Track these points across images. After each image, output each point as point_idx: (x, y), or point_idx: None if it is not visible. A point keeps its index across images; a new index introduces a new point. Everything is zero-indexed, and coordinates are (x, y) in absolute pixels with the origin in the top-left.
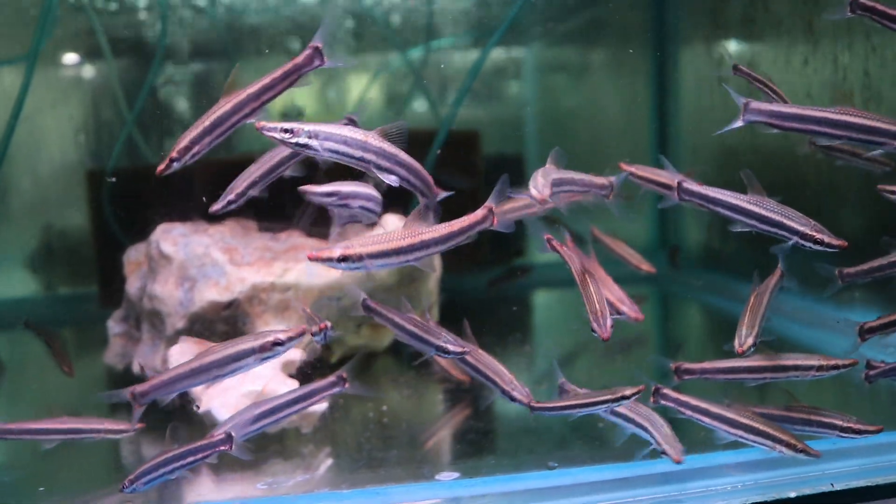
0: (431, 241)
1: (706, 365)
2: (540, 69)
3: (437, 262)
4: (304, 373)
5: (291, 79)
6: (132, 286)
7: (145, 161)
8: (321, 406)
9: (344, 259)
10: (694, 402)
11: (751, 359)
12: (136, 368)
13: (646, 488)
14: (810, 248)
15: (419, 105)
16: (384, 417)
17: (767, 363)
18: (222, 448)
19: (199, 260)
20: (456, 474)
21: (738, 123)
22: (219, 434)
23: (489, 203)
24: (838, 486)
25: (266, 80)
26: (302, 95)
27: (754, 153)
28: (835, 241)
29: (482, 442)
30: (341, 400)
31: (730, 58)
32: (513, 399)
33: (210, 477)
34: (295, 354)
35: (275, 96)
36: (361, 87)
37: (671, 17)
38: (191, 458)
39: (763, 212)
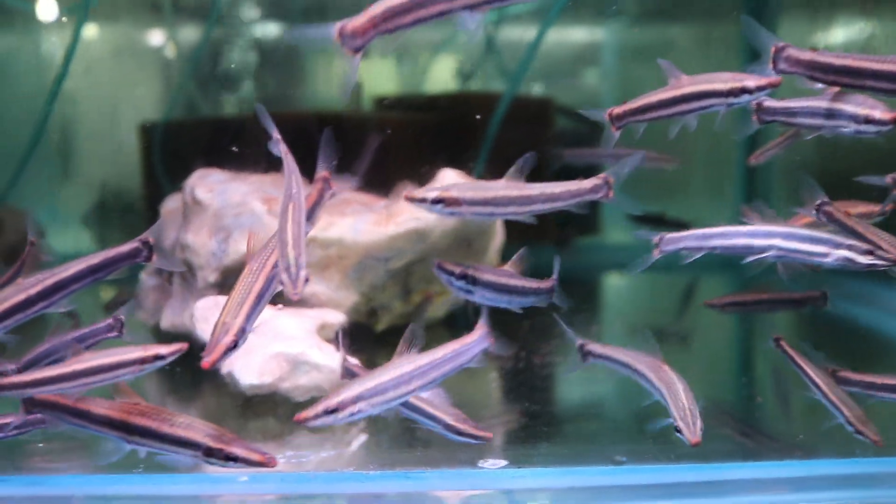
0: (536, 197)
1: None
2: (621, 48)
3: (499, 228)
4: (345, 340)
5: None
6: (167, 236)
7: (199, 114)
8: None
9: (440, 201)
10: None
11: None
12: (165, 325)
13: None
14: None
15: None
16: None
17: None
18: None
19: (235, 209)
20: (503, 462)
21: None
22: None
23: (607, 175)
24: None
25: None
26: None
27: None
28: None
29: (535, 428)
30: None
31: None
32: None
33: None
34: (335, 317)
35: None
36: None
37: None
38: None
39: None
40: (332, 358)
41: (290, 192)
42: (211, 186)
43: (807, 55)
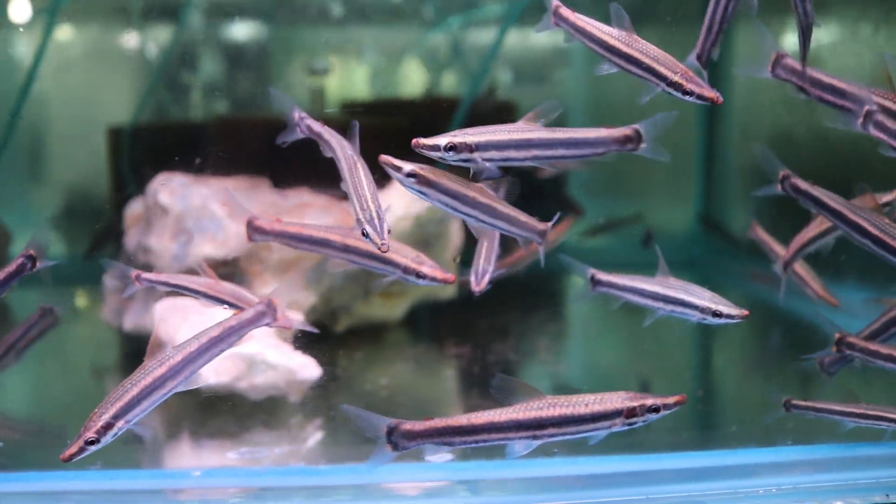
0: (556, 141)
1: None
2: (590, 50)
3: (455, 233)
4: (303, 340)
5: None
6: (130, 240)
7: (167, 118)
8: (313, 374)
9: (452, 148)
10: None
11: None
12: (127, 327)
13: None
14: None
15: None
16: (383, 391)
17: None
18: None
19: (196, 212)
20: (449, 456)
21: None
22: None
23: (639, 126)
24: None
25: None
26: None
27: (809, 134)
28: None
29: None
30: (339, 370)
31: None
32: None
33: (188, 443)
34: (293, 318)
35: None
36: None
37: None
38: None
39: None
40: (288, 358)
41: (347, 154)
42: (173, 190)
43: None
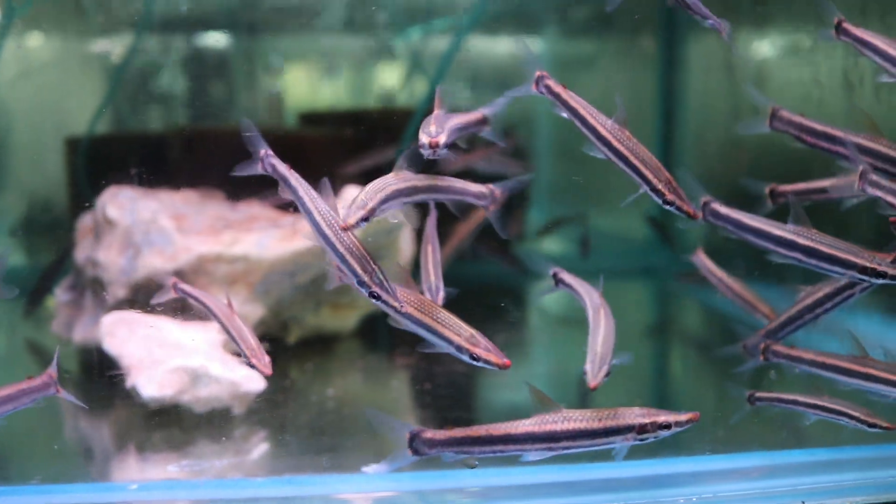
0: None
1: None
2: (554, 60)
3: (409, 242)
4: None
5: None
6: (80, 253)
7: (124, 129)
8: (257, 386)
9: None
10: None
11: None
12: (77, 339)
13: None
14: (869, 281)
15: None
16: (330, 402)
17: None
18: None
19: (145, 226)
20: (385, 467)
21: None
22: None
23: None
24: None
25: None
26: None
27: (759, 144)
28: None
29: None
30: (289, 381)
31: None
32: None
33: (133, 455)
34: None
35: None
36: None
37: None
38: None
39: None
40: (231, 370)
41: (321, 209)
42: (122, 204)
43: (797, 118)
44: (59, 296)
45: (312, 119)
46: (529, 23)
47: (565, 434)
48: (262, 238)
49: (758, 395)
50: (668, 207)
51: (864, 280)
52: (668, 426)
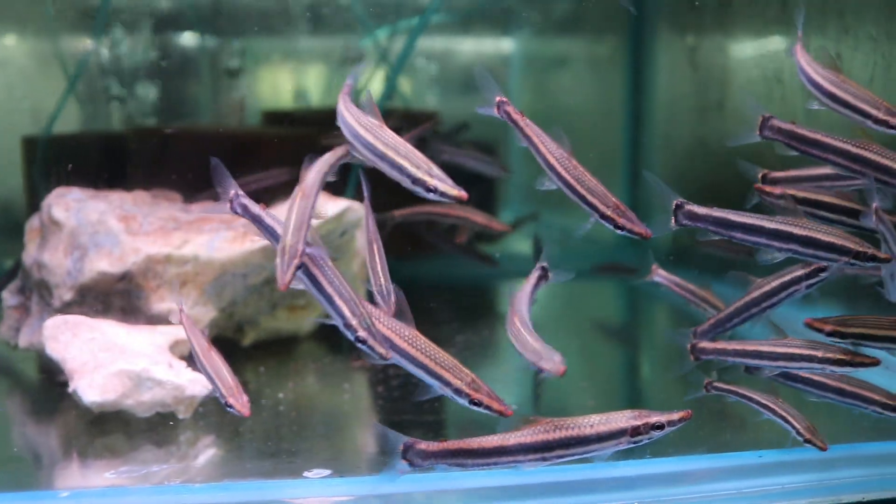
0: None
1: None
2: (526, 60)
3: (362, 245)
4: None
5: None
6: (28, 255)
7: (81, 128)
8: (203, 390)
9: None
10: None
11: None
12: (23, 344)
13: None
14: (859, 265)
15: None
16: (280, 406)
17: None
18: None
19: (91, 227)
20: (327, 472)
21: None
22: None
23: None
24: None
25: None
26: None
27: (720, 141)
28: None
29: (369, 437)
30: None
31: None
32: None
33: (74, 462)
34: None
35: None
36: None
37: (648, 3)
38: None
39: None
40: (176, 374)
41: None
42: (68, 205)
43: (786, 125)
44: (7, 299)
45: (277, 118)
46: (501, 23)
47: (558, 442)
48: (213, 239)
49: (714, 384)
50: (620, 233)
51: (856, 265)
52: (661, 426)
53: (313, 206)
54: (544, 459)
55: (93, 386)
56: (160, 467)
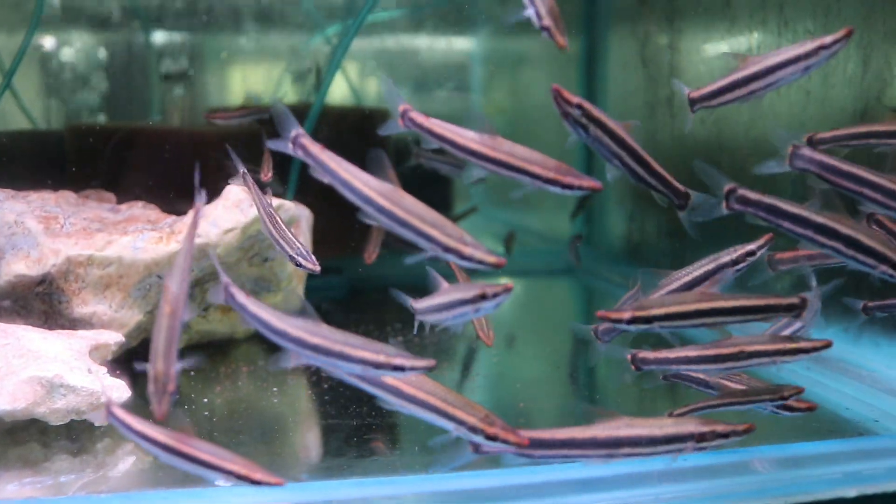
0: None
1: None
2: (485, 58)
3: (307, 236)
4: (128, 360)
5: None
6: None
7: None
8: (122, 396)
9: None
10: None
11: None
12: None
13: None
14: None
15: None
16: (205, 411)
17: None
18: None
19: (9, 229)
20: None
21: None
22: None
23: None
24: None
25: None
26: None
27: (676, 141)
28: None
29: (307, 441)
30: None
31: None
32: None
33: None
34: (112, 338)
35: None
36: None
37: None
38: None
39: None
40: (93, 380)
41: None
42: None
43: (818, 156)
44: None
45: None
46: (461, 23)
47: (628, 440)
48: (137, 240)
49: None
50: (569, 192)
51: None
52: (726, 435)
53: (180, 321)
54: (611, 456)
55: (1, 394)
56: (69, 477)
